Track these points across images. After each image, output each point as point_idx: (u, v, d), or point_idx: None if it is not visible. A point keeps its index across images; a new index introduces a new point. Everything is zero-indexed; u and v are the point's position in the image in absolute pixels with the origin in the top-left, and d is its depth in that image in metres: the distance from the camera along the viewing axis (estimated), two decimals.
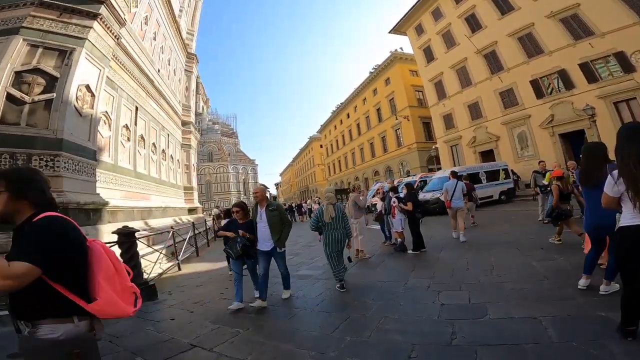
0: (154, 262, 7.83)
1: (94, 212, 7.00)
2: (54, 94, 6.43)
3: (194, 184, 18.81)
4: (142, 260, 7.51)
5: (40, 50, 6.60)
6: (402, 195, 7.40)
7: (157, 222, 11.22)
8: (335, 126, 50.22)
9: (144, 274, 7.30)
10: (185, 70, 18.08)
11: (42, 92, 6.39)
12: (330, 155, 53.36)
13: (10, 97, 6.08)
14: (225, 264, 8.50)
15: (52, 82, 6.50)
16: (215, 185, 64.92)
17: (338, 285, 4.91)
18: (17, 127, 6.04)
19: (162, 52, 13.90)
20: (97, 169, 8.46)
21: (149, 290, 5.48)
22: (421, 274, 5.24)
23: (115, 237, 7.67)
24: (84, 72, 7.06)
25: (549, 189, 7.64)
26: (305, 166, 70.71)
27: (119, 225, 9.00)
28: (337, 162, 50.36)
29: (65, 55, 6.75)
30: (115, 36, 8.28)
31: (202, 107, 69.43)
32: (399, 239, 7.28)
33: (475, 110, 24.45)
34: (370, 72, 37.29)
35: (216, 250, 11.71)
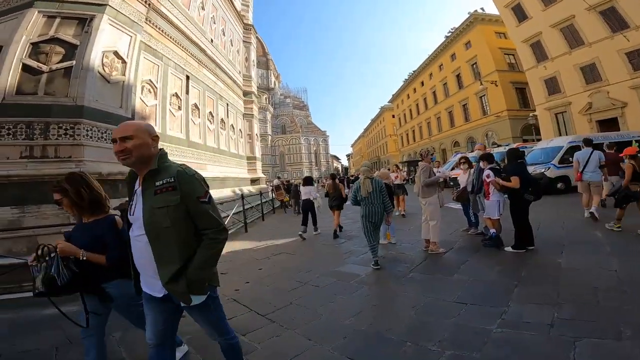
0: None
1: (124, 183, 6.24)
2: (74, 62, 5.79)
3: (257, 153, 18.17)
4: None
5: (57, 20, 6.01)
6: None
7: (212, 194, 10.62)
8: (408, 95, 46.17)
9: None
10: (244, 41, 17.03)
11: (61, 61, 5.76)
12: (403, 126, 49.48)
13: (26, 68, 5.55)
14: (269, 242, 7.45)
15: (71, 50, 5.89)
16: (289, 156, 66.17)
17: (372, 263, 4.62)
18: (34, 97, 5.48)
19: (214, 23, 12.85)
20: None
21: None
22: (533, 296, 3.13)
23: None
24: (109, 38, 6.41)
25: None
26: (376, 137, 67.40)
27: None
28: (411, 132, 46.36)
29: (85, 23, 6.10)
30: (145, 2, 7.45)
31: (274, 82, 70.19)
32: (491, 230, 5.03)
33: (590, 73, 19.25)
34: (446, 37, 33.45)
35: (269, 225, 10.77)
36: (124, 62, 6.72)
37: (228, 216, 8.40)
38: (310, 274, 4.58)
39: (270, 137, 63.51)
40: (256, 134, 18.31)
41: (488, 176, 4.83)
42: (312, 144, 68.85)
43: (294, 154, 66.41)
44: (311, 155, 68.13)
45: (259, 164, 18.27)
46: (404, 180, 10.03)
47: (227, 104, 14.05)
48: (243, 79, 16.72)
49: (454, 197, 6.23)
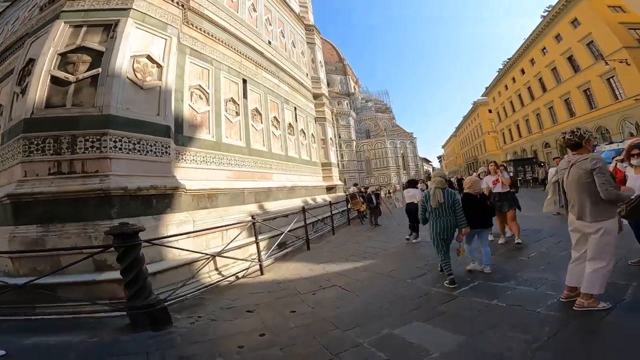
0: (242, 259, 6.02)
1: (160, 198, 5.54)
2: (100, 69, 5.34)
3: (333, 159, 16.94)
4: (218, 259, 5.79)
5: (84, 29, 5.73)
6: None
7: (277, 205, 9.71)
8: (506, 86, 39.68)
9: (217, 274, 5.59)
10: (307, 43, 16.13)
11: (88, 69, 5.38)
12: (504, 121, 42.59)
13: (55, 80, 5.28)
14: (326, 267, 5.92)
15: (98, 58, 5.50)
16: (374, 161, 63.85)
17: (447, 282, 3.98)
18: (62, 109, 5.15)
19: (270, 25, 12.15)
20: (193, 147, 7.33)
21: (155, 315, 3.44)
22: None
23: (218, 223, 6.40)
24: (139, 42, 5.92)
25: None
26: (471, 135, 59.91)
27: (220, 210, 7.82)
28: (515, 126, 39.43)
29: (110, 29, 5.70)
30: (177, 3, 6.89)
31: (353, 87, 68.96)
32: None
33: None
34: (542, 17, 28.35)
35: (337, 241, 9.26)
36: (159, 66, 6.18)
37: (282, 233, 7.22)
38: (350, 335, 2.89)
39: (354, 143, 62.40)
40: (330, 139, 17.16)
41: None
42: (398, 147, 65.11)
43: (380, 158, 63.72)
44: (398, 159, 64.38)
45: (335, 171, 17.04)
46: (509, 187, 6.03)
47: (295, 108, 13.20)
48: (312, 82, 15.81)
49: (621, 210, 3.58)
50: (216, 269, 5.66)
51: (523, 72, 34.63)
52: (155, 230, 5.12)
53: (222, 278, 5.48)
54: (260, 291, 4.88)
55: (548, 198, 3.16)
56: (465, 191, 4.63)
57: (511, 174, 8.70)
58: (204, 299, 4.66)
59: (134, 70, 5.66)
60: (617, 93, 22.62)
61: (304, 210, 8.19)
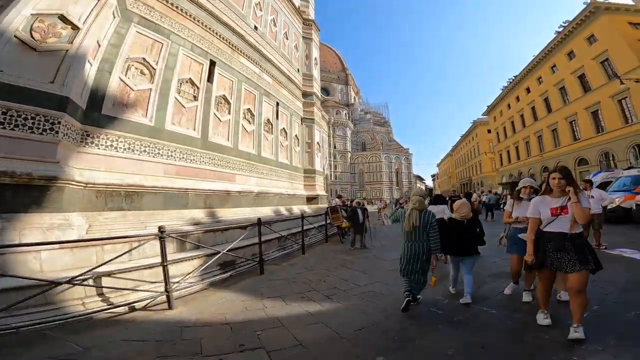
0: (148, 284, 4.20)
1: (20, 190, 3.76)
2: None
3: (318, 166, 15.19)
4: (111, 281, 4.03)
5: None
6: None
7: (237, 213, 7.97)
8: (509, 105, 38.50)
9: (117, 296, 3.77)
10: (304, 37, 14.78)
11: None
12: (503, 142, 41.43)
13: None
14: (268, 307, 3.81)
15: None
16: (368, 174, 62.45)
17: (407, 299, 3.57)
18: None
19: (260, 10, 10.74)
20: (116, 130, 5.66)
21: None
22: None
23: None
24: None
25: None
26: (467, 155, 58.73)
27: (144, 215, 5.97)
28: (514, 148, 38.27)
29: None
30: None
31: (354, 97, 68.08)
32: None
33: None
34: (557, 32, 27.23)
35: (305, 264, 7.45)
36: (75, 28, 4.65)
37: (219, 252, 5.42)
38: None
39: (349, 154, 61.02)
40: (318, 143, 15.49)
41: None
42: (393, 162, 63.84)
43: (373, 172, 62.32)
44: (392, 174, 63.04)
45: (319, 179, 15.29)
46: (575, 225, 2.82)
47: (278, 103, 11.54)
48: (303, 78, 14.22)
49: None
50: (100, 294, 3.88)
51: (528, 90, 33.51)
52: (3, 234, 3.35)
53: (104, 307, 3.71)
54: (145, 339, 3.09)
55: None
56: (452, 215, 4.15)
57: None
58: (45, 337, 2.97)
59: (31, 29, 4.21)
60: (628, 115, 21.49)
61: (259, 222, 6.39)
